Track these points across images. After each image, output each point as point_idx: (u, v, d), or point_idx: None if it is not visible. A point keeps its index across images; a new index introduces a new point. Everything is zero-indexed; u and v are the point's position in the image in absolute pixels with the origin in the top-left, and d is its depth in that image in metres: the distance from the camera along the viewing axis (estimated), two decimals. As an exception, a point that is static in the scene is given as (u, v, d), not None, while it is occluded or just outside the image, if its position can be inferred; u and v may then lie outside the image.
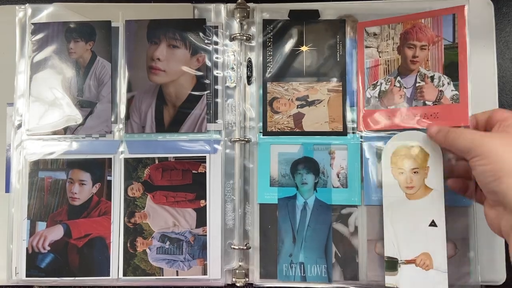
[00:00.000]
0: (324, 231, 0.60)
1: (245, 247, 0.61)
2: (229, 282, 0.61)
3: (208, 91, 0.62)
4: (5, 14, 0.64)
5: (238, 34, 0.63)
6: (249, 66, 0.64)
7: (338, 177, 0.62)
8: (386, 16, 0.63)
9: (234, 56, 0.63)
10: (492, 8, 0.63)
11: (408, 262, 0.56)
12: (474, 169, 0.49)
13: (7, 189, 0.62)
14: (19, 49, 0.64)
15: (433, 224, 0.56)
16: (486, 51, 0.62)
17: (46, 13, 0.64)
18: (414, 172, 0.57)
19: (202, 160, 0.62)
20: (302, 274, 0.60)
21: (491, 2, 0.63)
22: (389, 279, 0.57)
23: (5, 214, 0.61)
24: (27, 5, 0.64)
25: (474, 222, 0.59)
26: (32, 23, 0.64)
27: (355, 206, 0.61)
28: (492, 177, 0.46)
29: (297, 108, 0.63)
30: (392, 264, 0.57)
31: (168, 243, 0.61)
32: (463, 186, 0.56)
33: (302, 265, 0.60)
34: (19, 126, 0.62)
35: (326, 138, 0.62)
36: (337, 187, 0.61)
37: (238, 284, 0.60)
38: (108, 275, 0.60)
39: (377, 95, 0.61)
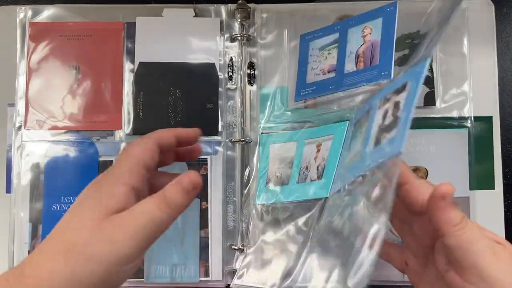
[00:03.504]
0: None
1: (245, 248, 0.60)
2: (229, 283, 0.60)
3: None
4: (5, 15, 0.64)
5: (239, 35, 0.63)
6: (250, 66, 0.63)
7: (317, 170, 0.56)
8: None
9: (236, 57, 0.63)
10: (492, 9, 0.63)
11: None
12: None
13: (8, 190, 0.62)
14: (20, 50, 0.63)
15: None
16: (487, 51, 0.62)
17: (47, 14, 0.64)
18: None
19: (204, 162, 0.62)
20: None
21: (491, 2, 0.63)
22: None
23: (6, 215, 0.61)
24: (27, 6, 0.64)
25: (473, 218, 0.59)
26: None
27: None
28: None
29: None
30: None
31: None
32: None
33: None
34: (20, 128, 0.62)
35: (316, 130, 0.59)
36: (314, 180, 0.56)
37: (237, 285, 0.60)
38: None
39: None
